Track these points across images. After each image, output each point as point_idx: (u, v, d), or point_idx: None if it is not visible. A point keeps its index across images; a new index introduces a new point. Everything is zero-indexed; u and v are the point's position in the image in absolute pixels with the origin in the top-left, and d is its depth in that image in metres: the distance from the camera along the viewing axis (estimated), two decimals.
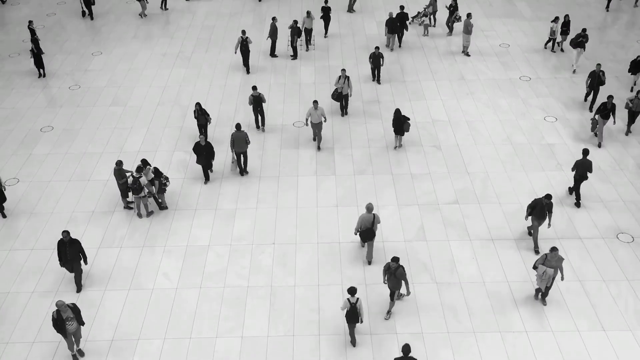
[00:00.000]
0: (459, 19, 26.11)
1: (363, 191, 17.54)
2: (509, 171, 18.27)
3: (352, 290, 12.45)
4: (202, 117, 18.89)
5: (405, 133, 19.81)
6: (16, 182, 18.17)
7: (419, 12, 27.32)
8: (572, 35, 26.21)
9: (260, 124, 20.48)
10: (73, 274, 14.86)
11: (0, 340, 13.39)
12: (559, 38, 25.52)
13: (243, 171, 18.24)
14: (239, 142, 17.75)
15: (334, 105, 21.62)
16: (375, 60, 22.22)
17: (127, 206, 17.02)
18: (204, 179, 17.97)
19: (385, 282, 13.47)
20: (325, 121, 19.20)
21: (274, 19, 24.27)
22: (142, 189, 16.07)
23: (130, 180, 16.17)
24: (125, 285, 14.69)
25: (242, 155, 18.26)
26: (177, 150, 19.43)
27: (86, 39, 26.74)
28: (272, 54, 24.97)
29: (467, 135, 19.93)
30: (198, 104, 18.69)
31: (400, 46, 25.67)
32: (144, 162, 16.65)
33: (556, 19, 24.12)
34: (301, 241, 15.87)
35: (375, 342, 13.19)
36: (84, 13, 28.45)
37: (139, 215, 16.68)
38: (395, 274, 13.01)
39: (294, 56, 24.76)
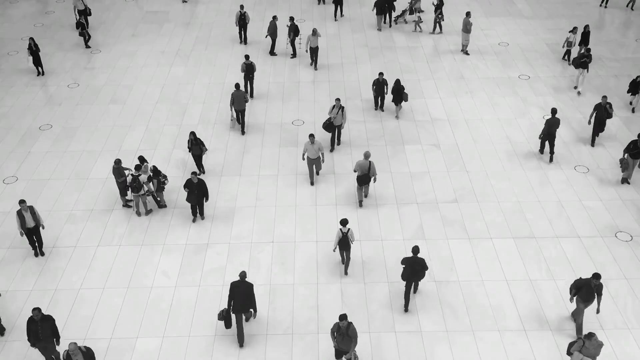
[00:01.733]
0: (441, 18, 26.15)
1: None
2: (508, 170, 18.27)
3: (343, 222, 14.14)
4: (196, 147, 17.42)
5: (403, 104, 21.48)
6: (15, 180, 18.15)
7: (403, 11, 27.22)
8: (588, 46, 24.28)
9: (249, 92, 22.08)
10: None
11: None
12: (575, 49, 24.45)
13: (243, 129, 20.00)
14: (239, 100, 19.48)
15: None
16: (379, 87, 20.38)
17: (126, 204, 17.01)
18: (192, 217, 16.50)
19: (335, 344, 11.86)
20: (323, 160, 17.20)
21: (274, 17, 24.27)
22: (141, 187, 16.07)
23: (129, 178, 16.16)
24: (124, 284, 14.69)
25: (240, 113, 19.79)
26: (176, 149, 19.41)
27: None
28: (272, 52, 24.95)
29: (466, 133, 19.94)
30: (192, 134, 17.23)
31: (390, 26, 26.62)
32: (142, 159, 16.65)
33: (574, 29, 23.21)
34: (300, 240, 15.88)
35: (373, 341, 13.20)
36: (78, 24, 25.64)
37: (138, 213, 16.67)
38: (347, 333, 11.61)
39: (293, 54, 24.74)
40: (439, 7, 26.06)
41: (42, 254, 15.38)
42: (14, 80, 23.43)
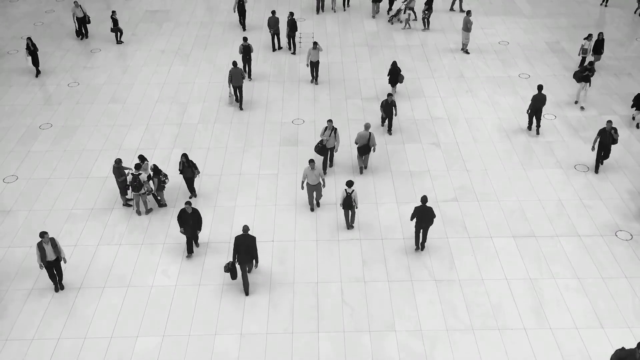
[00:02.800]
0: (427, 15, 26.33)
1: (362, 188, 17.54)
2: (508, 169, 18.27)
3: (349, 183, 15.19)
4: (188, 169, 16.50)
5: (399, 85, 22.55)
6: (15, 180, 18.15)
7: (398, 11, 27.12)
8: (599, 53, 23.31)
9: (247, 73, 23.02)
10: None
11: None
12: (590, 57, 23.68)
13: (241, 104, 21.13)
14: (236, 77, 20.68)
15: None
16: (387, 108, 19.19)
17: (126, 203, 17.01)
18: (186, 252, 15.43)
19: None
20: (324, 184, 16.25)
21: (273, 12, 24.50)
22: (141, 186, 16.06)
23: (129, 177, 16.16)
24: (124, 283, 14.69)
25: (238, 89, 20.93)
26: (176, 148, 19.41)
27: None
28: (274, 48, 25.12)
29: (466, 132, 19.93)
30: (184, 156, 16.34)
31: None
32: (142, 158, 16.65)
33: (589, 37, 22.53)
34: (300, 238, 15.88)
35: (374, 339, 13.20)
36: (77, 32, 26.02)
37: (138, 212, 16.67)
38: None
39: (293, 51, 24.77)
40: (428, 4, 26.28)
41: (62, 287, 14.38)
42: (14, 79, 23.42)
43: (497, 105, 21.33)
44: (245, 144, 19.53)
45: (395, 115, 19.65)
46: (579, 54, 23.01)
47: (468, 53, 24.81)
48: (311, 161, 15.79)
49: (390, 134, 19.64)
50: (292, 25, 24.26)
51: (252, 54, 23.17)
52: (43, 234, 13.53)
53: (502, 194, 17.31)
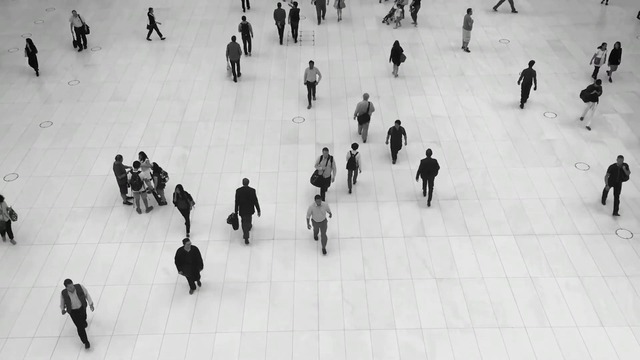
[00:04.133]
0: (413, 10, 26.53)
1: (362, 187, 17.53)
2: (509, 167, 18.26)
3: (354, 146, 16.46)
4: (182, 201, 15.32)
5: (402, 64, 23.50)
6: (15, 177, 18.16)
7: (393, 9, 27.02)
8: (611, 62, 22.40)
9: (247, 49, 24.47)
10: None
11: (0, 335, 13.44)
12: (605, 67, 22.83)
13: (236, 77, 22.62)
14: (233, 51, 21.93)
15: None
16: (396, 137, 17.78)
17: (127, 201, 17.02)
18: (189, 288, 14.43)
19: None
20: (330, 217, 15.27)
21: (279, 4, 24.90)
22: (141, 184, 16.06)
23: (129, 175, 16.16)
24: (125, 281, 14.70)
25: (235, 63, 22.31)
26: (177, 146, 19.41)
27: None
28: (282, 41, 25.54)
29: (467, 131, 19.92)
30: (179, 187, 15.15)
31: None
32: (142, 155, 16.62)
33: (603, 45, 21.54)
34: (300, 237, 15.88)
35: (374, 338, 13.21)
36: (75, 43, 24.89)
37: (139, 210, 16.68)
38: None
39: (296, 40, 25.59)
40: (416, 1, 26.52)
41: (87, 345, 13.00)
42: (14, 77, 23.42)
43: (497, 104, 21.31)
44: (245, 142, 19.52)
45: (405, 144, 18.14)
46: (590, 63, 22.11)
47: (469, 51, 24.79)
48: (317, 197, 14.49)
49: (394, 162, 18.30)
50: (295, 15, 24.97)
51: (250, 32, 24.10)
52: (67, 282, 12.14)
53: (502, 192, 17.31)
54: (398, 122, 17.49)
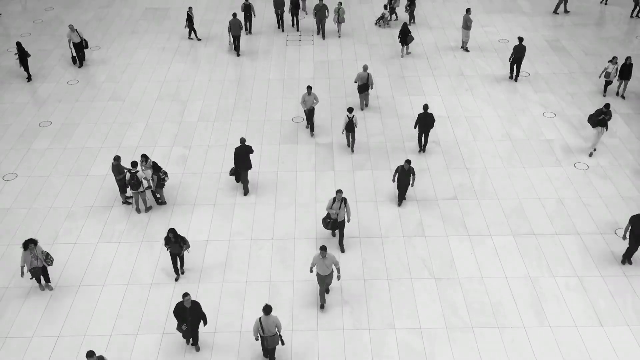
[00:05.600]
0: (409, 9, 26.46)
1: (362, 186, 17.54)
2: (508, 167, 18.27)
3: (350, 109, 17.74)
4: (175, 245, 14.06)
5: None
6: (15, 177, 18.15)
7: (383, 13, 26.96)
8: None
9: (248, 29, 26.07)
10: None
11: None
12: (615, 81, 22.13)
13: (238, 51, 24.34)
14: (235, 27, 23.80)
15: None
16: (404, 177, 16.14)
17: (126, 201, 17.01)
18: (186, 343, 13.23)
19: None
20: (339, 277, 13.55)
21: None
22: (140, 184, 16.05)
23: (127, 176, 16.14)
24: (124, 280, 14.69)
25: (236, 38, 24.14)
26: (176, 146, 19.41)
27: (85, 33, 26.67)
28: (279, 26, 26.46)
29: (466, 130, 19.93)
30: (172, 231, 13.87)
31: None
32: (145, 157, 16.57)
33: (614, 59, 20.65)
34: (300, 236, 15.88)
35: (373, 337, 13.21)
36: (74, 59, 23.88)
37: (138, 210, 16.67)
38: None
39: (297, 28, 26.44)
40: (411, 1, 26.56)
41: None
42: (13, 77, 23.40)
43: (497, 103, 21.32)
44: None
45: (412, 185, 16.46)
46: (600, 77, 21.40)
47: (468, 51, 24.80)
48: (323, 248, 13.05)
49: (401, 203, 16.70)
50: (295, 3, 25.66)
51: (253, 12, 25.49)
52: (89, 355, 11.03)
53: (501, 192, 17.32)
54: (408, 161, 15.67)
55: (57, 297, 14.26)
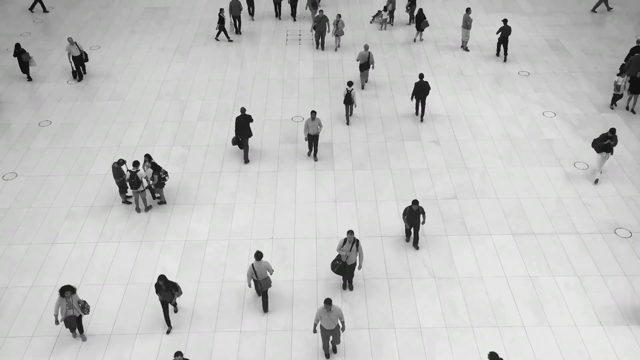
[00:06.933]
0: (409, 10, 26.69)
1: (361, 186, 17.54)
2: (508, 166, 18.27)
3: (350, 83, 19.30)
4: (166, 293, 12.94)
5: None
6: (14, 177, 18.15)
7: (379, 11, 26.94)
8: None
9: (251, 13, 27.50)
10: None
11: None
12: (625, 94, 21.05)
13: (238, 31, 26.05)
14: (235, 7, 25.39)
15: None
16: (413, 217, 14.96)
17: (126, 201, 17.01)
18: None
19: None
20: (343, 328, 12.53)
21: None
22: (139, 183, 16.04)
23: (127, 175, 16.13)
24: (124, 280, 14.70)
25: (237, 19, 25.85)
26: (176, 145, 19.40)
27: (84, 33, 26.66)
28: (277, 15, 27.51)
29: (466, 130, 19.93)
30: (162, 278, 12.79)
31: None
32: (148, 157, 16.53)
33: (623, 73, 19.94)
34: (299, 236, 15.88)
35: (373, 337, 13.21)
36: (74, 73, 22.84)
37: (138, 209, 16.67)
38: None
39: (294, 18, 27.33)
40: (411, 3, 26.57)
41: None
42: (13, 76, 23.39)
43: (496, 103, 21.32)
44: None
45: (423, 223, 15.24)
46: (613, 91, 20.35)
47: (468, 50, 24.79)
48: (327, 302, 11.96)
49: (417, 248, 15.41)
50: None
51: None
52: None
53: (501, 191, 17.32)
54: (416, 202, 14.67)
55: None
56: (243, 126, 17.96)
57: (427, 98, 21.34)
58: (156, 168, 16.52)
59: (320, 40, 25.06)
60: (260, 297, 14.04)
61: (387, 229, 16.06)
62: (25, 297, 14.27)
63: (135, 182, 15.96)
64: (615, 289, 14.27)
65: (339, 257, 13.80)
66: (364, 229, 16.05)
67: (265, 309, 13.73)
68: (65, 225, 16.33)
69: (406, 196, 17.12)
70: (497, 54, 24.23)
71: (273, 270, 13.45)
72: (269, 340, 13.18)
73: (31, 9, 28.44)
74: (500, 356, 12.40)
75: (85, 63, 23.93)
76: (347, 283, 14.27)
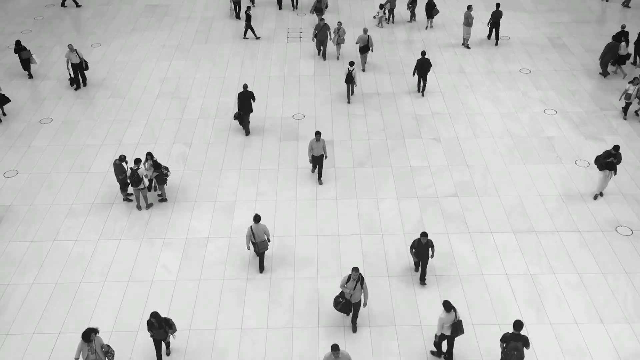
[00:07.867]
0: (411, 7, 26.69)
1: (362, 184, 17.54)
2: (509, 164, 18.26)
3: (351, 63, 20.26)
4: (159, 330, 12.04)
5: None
6: (15, 174, 18.15)
7: (379, 11, 26.83)
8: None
9: (252, 2, 28.80)
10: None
11: (0, 332, 13.43)
12: (635, 104, 20.78)
13: (237, 16, 27.10)
14: None
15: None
16: (421, 250, 13.96)
17: (127, 198, 17.01)
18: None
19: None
20: None
21: None
22: (140, 180, 16.05)
23: (128, 172, 16.14)
24: (125, 277, 14.71)
25: (237, 4, 26.89)
26: (176, 143, 19.41)
27: (85, 30, 26.66)
28: (280, 6, 28.30)
29: (467, 128, 19.91)
30: (154, 314, 11.97)
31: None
32: (150, 155, 16.53)
33: (635, 80, 19.34)
34: (300, 233, 15.88)
35: (374, 334, 13.22)
36: (72, 81, 22.00)
37: (139, 207, 16.68)
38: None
39: (294, 8, 28.31)
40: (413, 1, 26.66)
41: None
42: (14, 74, 23.40)
43: (497, 100, 21.30)
44: (245, 139, 19.51)
45: (432, 257, 14.31)
46: (620, 99, 20.03)
47: (469, 48, 24.76)
48: (335, 348, 11.08)
49: (425, 283, 14.43)
50: None
51: None
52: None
53: (502, 189, 17.31)
54: (425, 234, 13.68)
55: (58, 294, 14.27)
56: (245, 102, 18.93)
57: (429, 75, 22.57)
58: (157, 166, 16.52)
59: (322, 49, 24.26)
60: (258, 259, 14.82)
61: (388, 226, 16.05)
62: (26, 295, 14.29)
63: (136, 179, 15.97)
64: (616, 286, 14.26)
65: (342, 294, 13.02)
66: (365, 226, 16.05)
67: (261, 269, 14.73)
68: (66, 223, 16.34)
69: (407, 194, 17.12)
70: (489, 37, 25.18)
71: (271, 240, 14.88)
72: (270, 338, 13.19)
73: (63, 4, 28.80)
74: (452, 304, 12.42)
75: (85, 72, 23.15)
76: (351, 324, 13.36)
